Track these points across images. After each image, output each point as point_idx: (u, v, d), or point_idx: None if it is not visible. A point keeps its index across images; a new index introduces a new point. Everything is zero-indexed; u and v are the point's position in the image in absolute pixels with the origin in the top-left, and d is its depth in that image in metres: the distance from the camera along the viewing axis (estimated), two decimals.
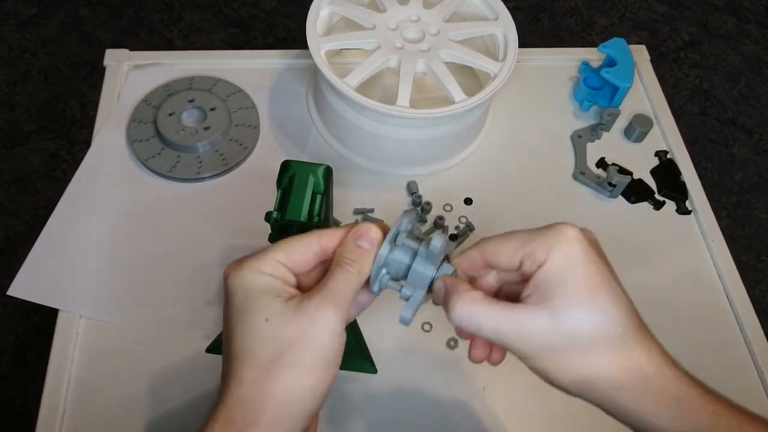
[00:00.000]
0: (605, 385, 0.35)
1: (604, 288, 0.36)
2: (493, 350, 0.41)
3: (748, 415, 0.36)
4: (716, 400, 0.35)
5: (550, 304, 0.36)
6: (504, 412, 0.56)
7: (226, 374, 0.37)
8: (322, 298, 0.36)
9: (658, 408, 0.35)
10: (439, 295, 0.39)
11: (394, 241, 0.40)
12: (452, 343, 0.59)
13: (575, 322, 0.35)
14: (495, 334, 0.36)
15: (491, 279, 0.41)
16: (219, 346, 0.54)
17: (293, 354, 0.35)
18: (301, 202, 0.47)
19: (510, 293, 0.41)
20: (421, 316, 0.61)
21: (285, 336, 0.35)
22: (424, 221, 0.67)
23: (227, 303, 0.38)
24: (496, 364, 0.42)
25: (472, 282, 0.41)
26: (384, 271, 0.40)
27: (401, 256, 0.39)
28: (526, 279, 0.38)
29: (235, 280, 0.37)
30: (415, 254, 0.39)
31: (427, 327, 0.60)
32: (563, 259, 0.36)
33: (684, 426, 0.34)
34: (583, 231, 0.38)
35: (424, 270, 0.39)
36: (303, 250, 0.39)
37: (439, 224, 0.66)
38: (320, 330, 0.35)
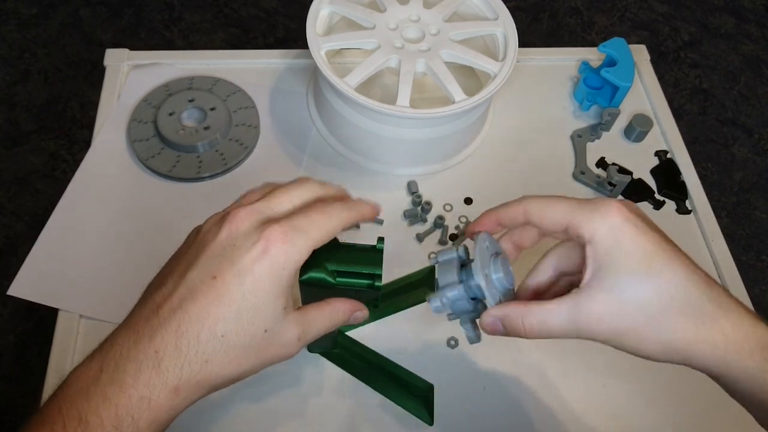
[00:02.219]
0: (687, 347, 0.36)
1: (658, 255, 0.36)
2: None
3: None
4: None
5: (609, 284, 0.36)
6: (504, 412, 0.56)
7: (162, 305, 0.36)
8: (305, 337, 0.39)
9: (742, 361, 0.35)
10: (496, 329, 0.40)
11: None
12: (452, 342, 0.59)
13: (637, 295, 0.36)
14: (571, 333, 0.38)
15: (543, 276, 0.43)
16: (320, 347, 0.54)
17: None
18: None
19: (566, 272, 0.42)
20: (421, 316, 0.61)
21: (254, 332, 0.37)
22: (424, 221, 0.66)
23: (240, 248, 0.36)
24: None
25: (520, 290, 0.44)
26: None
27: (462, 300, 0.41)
28: (569, 238, 0.39)
29: (283, 254, 0.36)
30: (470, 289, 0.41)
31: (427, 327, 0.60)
32: (609, 235, 0.36)
33: None
34: (627, 203, 0.38)
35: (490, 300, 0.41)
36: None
37: (439, 224, 0.66)
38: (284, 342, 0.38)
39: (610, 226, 0.37)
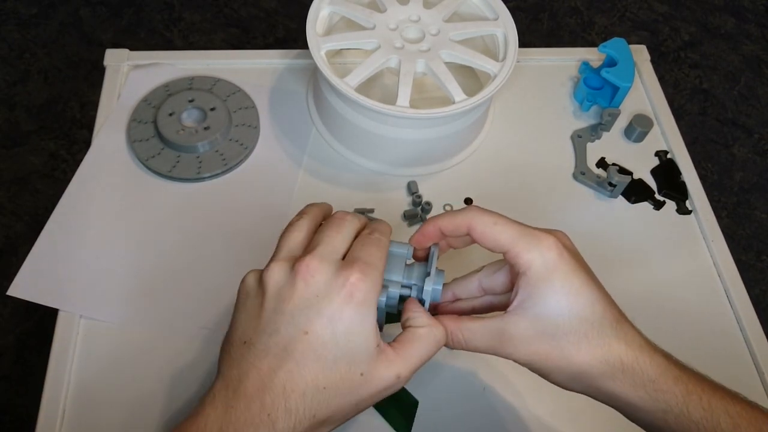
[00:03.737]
0: (590, 375, 0.39)
1: (583, 289, 0.39)
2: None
3: (719, 390, 0.39)
4: (690, 380, 0.39)
5: (533, 313, 0.39)
6: (504, 412, 0.56)
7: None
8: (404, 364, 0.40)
9: (636, 391, 0.39)
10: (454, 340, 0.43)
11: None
12: None
13: (556, 321, 0.39)
14: (492, 351, 0.41)
15: (469, 290, 0.47)
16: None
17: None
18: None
19: (493, 303, 0.46)
20: None
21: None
22: (424, 221, 0.66)
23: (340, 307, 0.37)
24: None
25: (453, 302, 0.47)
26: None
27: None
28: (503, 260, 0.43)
29: (365, 293, 0.37)
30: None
31: None
32: (543, 269, 0.39)
33: (659, 405, 0.38)
34: (560, 238, 0.41)
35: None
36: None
37: None
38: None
39: (545, 261, 0.39)
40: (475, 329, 0.41)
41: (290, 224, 0.43)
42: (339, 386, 0.37)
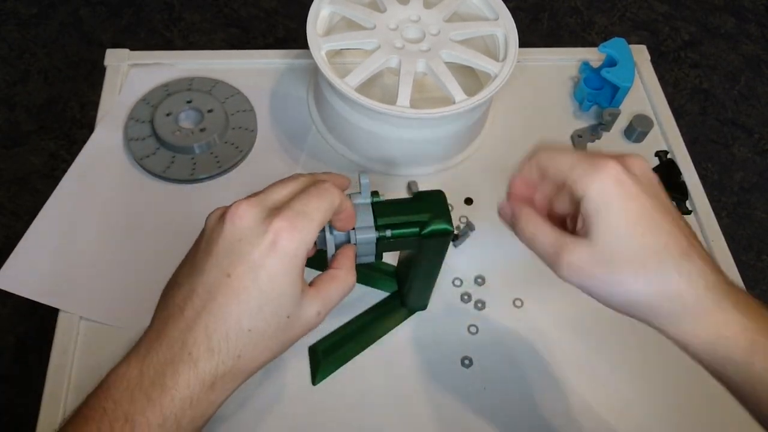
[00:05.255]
0: (646, 308, 0.37)
1: (643, 217, 0.37)
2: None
3: None
4: (759, 331, 0.36)
5: (590, 237, 0.38)
6: (504, 412, 0.56)
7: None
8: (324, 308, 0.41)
9: (696, 334, 0.37)
10: (505, 216, 0.43)
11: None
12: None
13: (612, 248, 0.37)
14: (546, 258, 0.40)
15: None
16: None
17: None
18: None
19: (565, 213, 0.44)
20: (420, 315, 0.61)
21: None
22: None
23: (252, 244, 0.37)
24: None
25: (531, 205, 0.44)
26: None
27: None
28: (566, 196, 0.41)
29: (292, 242, 0.37)
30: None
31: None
32: (599, 196, 0.38)
33: (719, 352, 0.36)
34: (627, 162, 0.39)
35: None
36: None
37: None
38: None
39: (601, 189, 0.38)
40: (542, 231, 0.40)
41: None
42: (265, 329, 0.37)
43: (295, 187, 0.41)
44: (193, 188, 0.67)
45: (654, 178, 0.40)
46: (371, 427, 0.55)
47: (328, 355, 0.57)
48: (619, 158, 0.39)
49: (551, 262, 0.39)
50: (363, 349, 0.58)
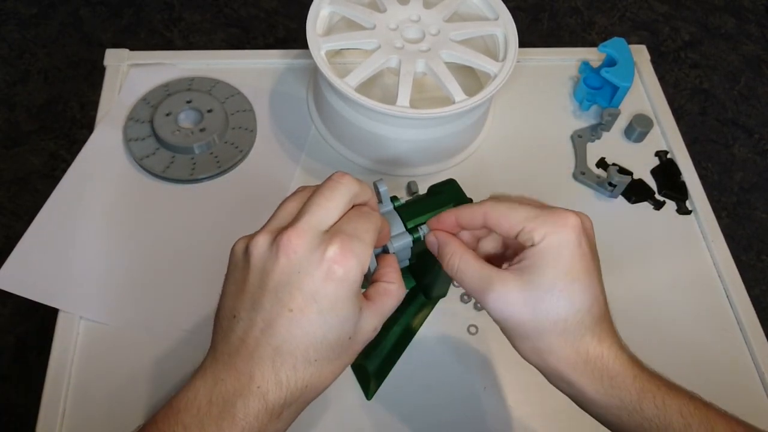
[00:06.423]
0: (555, 356, 0.40)
1: (581, 279, 0.39)
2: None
3: (676, 390, 0.40)
4: (648, 380, 0.39)
5: (529, 276, 0.39)
6: (504, 412, 0.56)
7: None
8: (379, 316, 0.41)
9: (593, 384, 0.39)
10: (432, 246, 0.45)
11: None
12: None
13: (545, 295, 0.39)
14: (473, 292, 0.41)
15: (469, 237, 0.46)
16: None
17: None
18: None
19: (489, 253, 0.46)
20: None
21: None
22: None
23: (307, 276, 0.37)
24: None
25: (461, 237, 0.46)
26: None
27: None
28: (509, 246, 0.44)
29: (348, 269, 0.37)
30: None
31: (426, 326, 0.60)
32: (556, 245, 0.39)
33: (614, 401, 0.39)
34: (584, 221, 0.41)
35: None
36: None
37: None
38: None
39: (563, 240, 0.39)
40: (470, 264, 0.42)
41: (292, 193, 0.42)
42: (329, 355, 0.37)
43: (340, 202, 0.40)
44: (192, 188, 0.67)
45: (594, 239, 0.42)
46: (370, 428, 0.55)
47: (379, 367, 0.57)
48: (578, 215, 0.41)
49: (480, 290, 0.41)
50: (403, 351, 0.58)
